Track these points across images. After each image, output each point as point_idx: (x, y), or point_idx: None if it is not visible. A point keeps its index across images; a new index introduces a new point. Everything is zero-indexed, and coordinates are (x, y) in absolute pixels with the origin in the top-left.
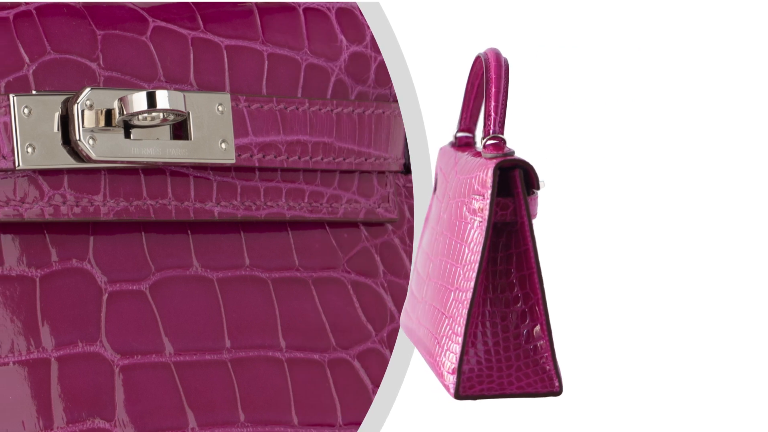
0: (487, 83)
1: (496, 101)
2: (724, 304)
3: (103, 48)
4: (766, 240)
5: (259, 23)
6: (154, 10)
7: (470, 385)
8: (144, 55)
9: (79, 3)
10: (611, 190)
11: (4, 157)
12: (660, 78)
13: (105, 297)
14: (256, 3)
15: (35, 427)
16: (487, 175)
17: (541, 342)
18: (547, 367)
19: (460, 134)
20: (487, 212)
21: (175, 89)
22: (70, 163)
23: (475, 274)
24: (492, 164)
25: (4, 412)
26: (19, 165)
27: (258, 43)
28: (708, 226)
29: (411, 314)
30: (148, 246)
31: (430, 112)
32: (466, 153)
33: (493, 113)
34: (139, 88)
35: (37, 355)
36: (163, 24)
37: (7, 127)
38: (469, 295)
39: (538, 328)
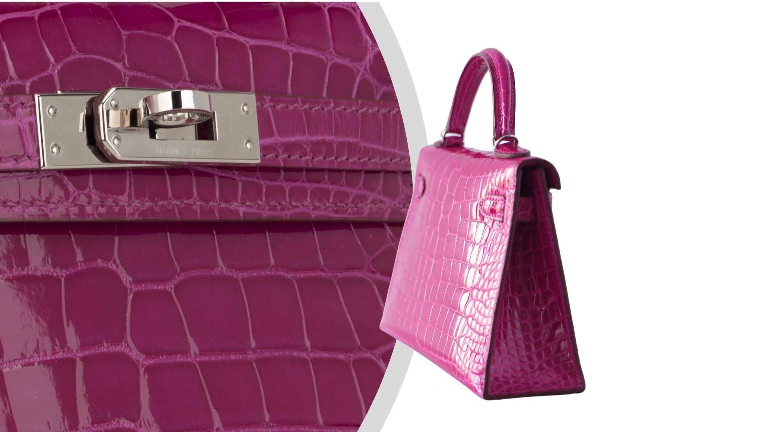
0: (494, 84)
1: (506, 101)
2: (742, 300)
3: (128, 48)
4: None
5: (284, 23)
6: (179, 10)
7: (497, 384)
8: (169, 55)
9: (104, 3)
10: (612, 189)
11: (29, 157)
12: (660, 78)
13: (130, 297)
14: (281, 3)
15: (60, 427)
16: (509, 175)
17: (563, 340)
18: (570, 364)
19: (449, 134)
20: (510, 212)
21: (201, 89)
22: (95, 163)
23: (499, 275)
24: (513, 164)
25: (30, 412)
26: (44, 165)
27: (283, 43)
28: (717, 219)
29: (403, 315)
30: (173, 246)
31: (430, 112)
32: (463, 153)
33: (503, 113)
34: (165, 88)
35: (62, 355)
36: (188, 24)
37: (32, 127)
38: (494, 294)
39: (561, 329)
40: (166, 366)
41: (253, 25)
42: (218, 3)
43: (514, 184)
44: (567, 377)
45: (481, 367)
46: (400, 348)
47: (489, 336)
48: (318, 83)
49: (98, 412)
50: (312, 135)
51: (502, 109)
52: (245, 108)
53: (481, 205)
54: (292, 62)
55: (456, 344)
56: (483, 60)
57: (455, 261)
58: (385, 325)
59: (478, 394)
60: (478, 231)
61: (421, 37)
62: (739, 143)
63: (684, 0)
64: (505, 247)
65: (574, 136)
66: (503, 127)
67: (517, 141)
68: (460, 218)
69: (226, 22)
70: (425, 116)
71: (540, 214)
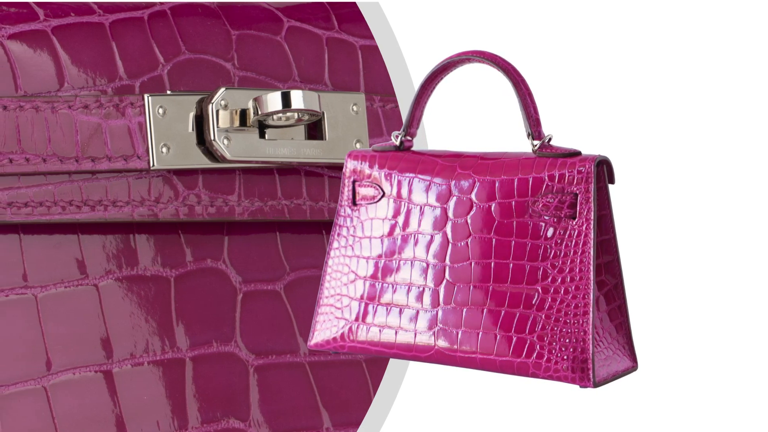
0: (516, 87)
1: (532, 102)
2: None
3: (237, 48)
4: None
5: None
6: (288, 10)
7: (598, 373)
8: (279, 55)
9: (213, 3)
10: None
11: (139, 157)
12: (659, 79)
13: (240, 297)
14: None
15: (170, 427)
16: (582, 172)
17: (624, 323)
18: (630, 346)
19: (405, 138)
20: (591, 207)
21: (310, 89)
22: (205, 163)
23: (587, 268)
24: (582, 162)
25: (139, 411)
26: (153, 165)
27: None
28: (725, 215)
29: (391, 327)
30: (283, 246)
31: (430, 112)
32: (453, 156)
33: (534, 114)
34: (274, 88)
35: (171, 355)
36: (298, 24)
37: (142, 127)
38: (585, 287)
39: (622, 312)
40: (276, 366)
41: (363, 25)
42: (328, 3)
43: (592, 179)
44: (627, 358)
45: (586, 357)
46: None
47: (589, 328)
48: None
49: (208, 412)
50: None
51: (533, 109)
52: (355, 108)
53: (536, 204)
54: None
55: (536, 343)
56: (456, 64)
57: (498, 261)
58: (341, 339)
59: (586, 385)
60: (535, 229)
61: (421, 37)
62: (726, 145)
63: (679, 2)
64: (589, 243)
65: (571, 136)
66: (537, 126)
67: (551, 139)
68: (497, 219)
69: (335, 22)
70: (425, 116)
71: (602, 207)
